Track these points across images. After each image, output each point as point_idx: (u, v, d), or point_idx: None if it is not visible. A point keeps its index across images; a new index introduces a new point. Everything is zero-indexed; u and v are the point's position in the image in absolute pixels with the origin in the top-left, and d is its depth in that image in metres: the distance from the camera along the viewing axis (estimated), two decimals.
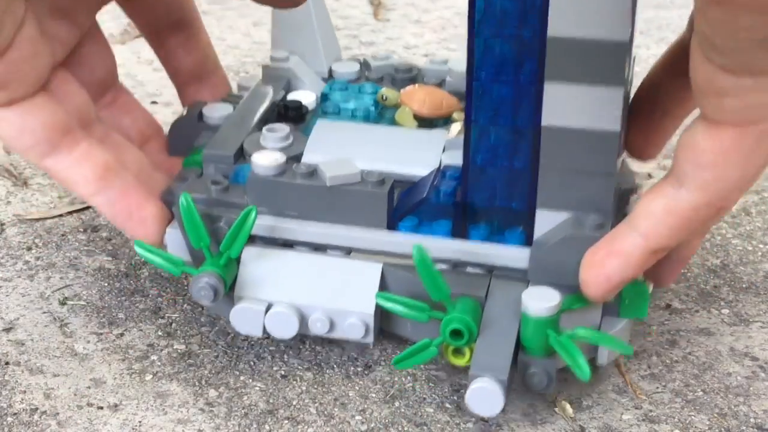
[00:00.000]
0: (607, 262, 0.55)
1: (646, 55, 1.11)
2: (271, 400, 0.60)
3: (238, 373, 0.63)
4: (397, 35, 1.16)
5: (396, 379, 0.62)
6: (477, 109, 0.58)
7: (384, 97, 0.70)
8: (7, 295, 0.70)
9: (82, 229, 0.77)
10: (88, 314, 0.68)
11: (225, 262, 0.60)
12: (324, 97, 0.71)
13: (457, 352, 0.58)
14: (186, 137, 0.70)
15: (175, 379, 0.62)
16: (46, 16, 0.60)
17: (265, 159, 0.61)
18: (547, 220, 0.58)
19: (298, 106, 0.70)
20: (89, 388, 0.61)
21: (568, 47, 0.53)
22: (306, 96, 0.72)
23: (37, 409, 0.60)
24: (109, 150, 0.62)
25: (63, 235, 0.76)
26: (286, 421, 0.59)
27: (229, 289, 0.60)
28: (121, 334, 0.66)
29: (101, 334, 0.66)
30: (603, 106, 0.55)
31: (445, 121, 0.69)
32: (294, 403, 0.60)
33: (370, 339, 0.60)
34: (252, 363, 0.63)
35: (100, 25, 0.68)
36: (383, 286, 0.60)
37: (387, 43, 1.14)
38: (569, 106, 0.55)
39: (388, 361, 0.63)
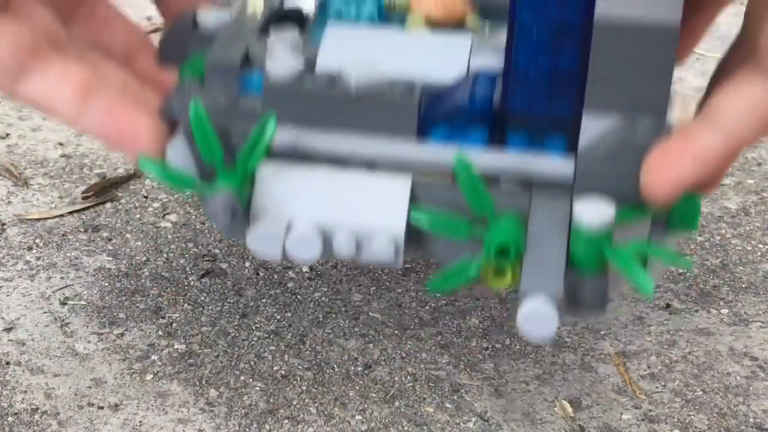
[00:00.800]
0: (681, 162, 0.49)
1: None
2: (271, 400, 0.60)
3: (238, 373, 0.63)
4: None
5: (396, 379, 0.62)
6: (521, 5, 0.53)
7: (392, 2, 0.65)
8: (7, 295, 0.70)
9: (82, 229, 0.77)
10: (88, 314, 0.68)
11: (241, 177, 0.54)
12: (322, 5, 0.65)
13: (498, 273, 0.53)
14: (179, 47, 0.64)
15: (175, 379, 0.62)
16: None
17: (282, 64, 0.55)
18: (594, 125, 0.52)
19: (299, 14, 0.64)
20: (90, 388, 0.61)
21: None
22: (304, 2, 0.65)
23: (37, 409, 0.60)
24: (86, 68, 0.57)
25: (63, 235, 0.76)
26: (286, 421, 0.59)
27: (245, 208, 0.55)
28: (122, 334, 0.66)
29: (102, 334, 0.66)
30: None
31: (458, 26, 0.63)
32: (294, 403, 0.60)
33: (400, 262, 0.55)
34: (252, 363, 0.63)
35: None
36: (413, 201, 0.55)
37: None
38: None
39: (388, 361, 0.63)
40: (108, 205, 0.80)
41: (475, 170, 0.52)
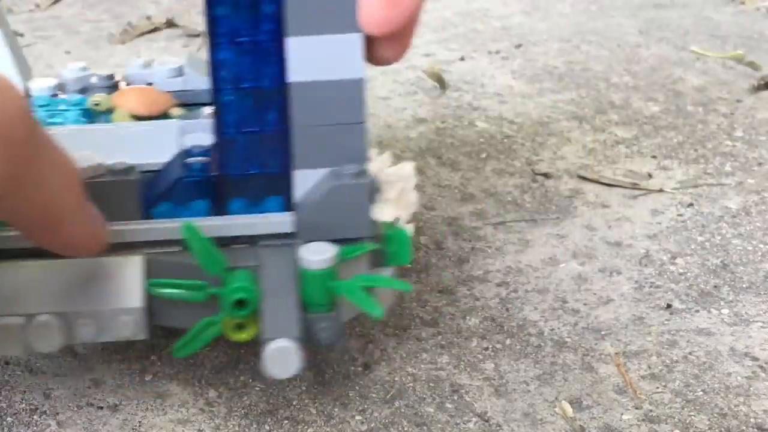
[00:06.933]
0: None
1: (647, 54, 1.11)
2: (271, 400, 0.60)
3: (238, 373, 0.63)
4: None
5: (396, 379, 0.62)
6: (221, 76, 0.57)
7: (96, 103, 0.69)
8: None
9: None
10: None
11: None
12: None
13: (239, 327, 0.57)
14: None
15: (175, 379, 0.62)
16: None
17: None
18: (305, 180, 0.58)
19: None
20: (89, 388, 0.61)
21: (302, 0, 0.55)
22: None
23: (37, 409, 0.60)
24: None
25: None
26: (286, 421, 0.59)
27: None
28: None
29: None
30: (344, 54, 0.56)
31: (164, 118, 0.69)
32: (294, 403, 0.60)
33: (144, 334, 0.57)
34: (252, 363, 0.63)
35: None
36: (150, 276, 0.58)
37: None
38: (312, 60, 0.56)
39: (388, 362, 0.63)
40: None
41: (203, 234, 0.56)
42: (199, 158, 0.61)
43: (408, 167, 0.66)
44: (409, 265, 0.61)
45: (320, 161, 0.58)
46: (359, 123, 0.57)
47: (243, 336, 0.57)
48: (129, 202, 0.58)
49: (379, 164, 0.65)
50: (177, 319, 0.59)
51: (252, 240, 0.59)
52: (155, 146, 0.63)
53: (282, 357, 0.54)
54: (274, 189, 0.59)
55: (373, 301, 0.56)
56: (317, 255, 0.56)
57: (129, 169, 0.58)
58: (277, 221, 0.59)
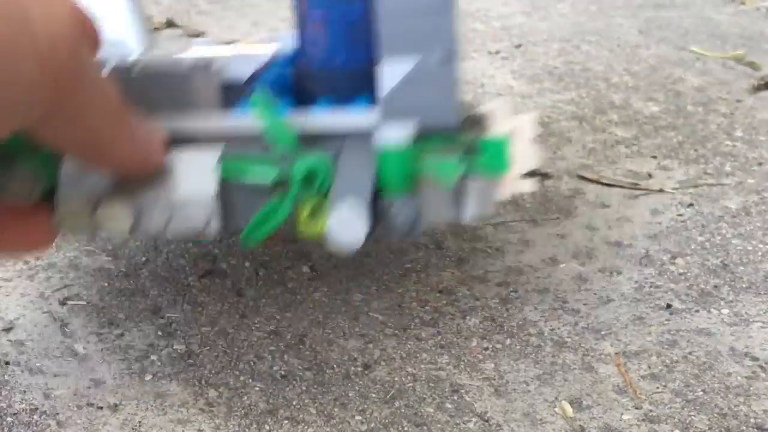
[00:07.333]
0: None
1: (647, 54, 1.11)
2: (271, 400, 0.60)
3: (238, 373, 0.63)
4: None
5: (396, 379, 0.62)
6: None
7: None
8: (7, 295, 0.70)
9: None
10: (88, 314, 0.68)
11: (46, 155, 0.55)
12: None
13: (312, 218, 0.55)
14: None
15: (175, 379, 0.62)
16: None
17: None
18: (392, 71, 0.55)
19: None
20: (89, 388, 0.61)
21: None
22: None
23: (37, 409, 0.60)
24: None
25: (63, 235, 0.76)
26: (286, 421, 0.59)
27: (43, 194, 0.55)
28: (121, 334, 0.66)
29: (101, 334, 0.66)
30: None
31: None
32: (294, 403, 0.60)
33: (214, 227, 0.56)
34: (252, 363, 0.63)
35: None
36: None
37: None
38: None
39: (388, 361, 0.63)
40: None
41: (274, 106, 0.54)
42: (284, 57, 0.59)
43: (528, 117, 0.62)
44: (505, 172, 0.57)
45: (407, 50, 0.55)
46: (446, 10, 0.54)
47: (316, 226, 0.55)
48: (209, 93, 0.57)
49: (495, 106, 0.61)
50: (249, 214, 0.57)
51: (337, 136, 0.57)
52: (255, 57, 0.61)
53: (348, 221, 0.52)
54: (360, 87, 0.57)
55: (447, 165, 0.53)
56: (393, 132, 0.54)
57: (209, 62, 0.57)
58: (363, 116, 0.56)
